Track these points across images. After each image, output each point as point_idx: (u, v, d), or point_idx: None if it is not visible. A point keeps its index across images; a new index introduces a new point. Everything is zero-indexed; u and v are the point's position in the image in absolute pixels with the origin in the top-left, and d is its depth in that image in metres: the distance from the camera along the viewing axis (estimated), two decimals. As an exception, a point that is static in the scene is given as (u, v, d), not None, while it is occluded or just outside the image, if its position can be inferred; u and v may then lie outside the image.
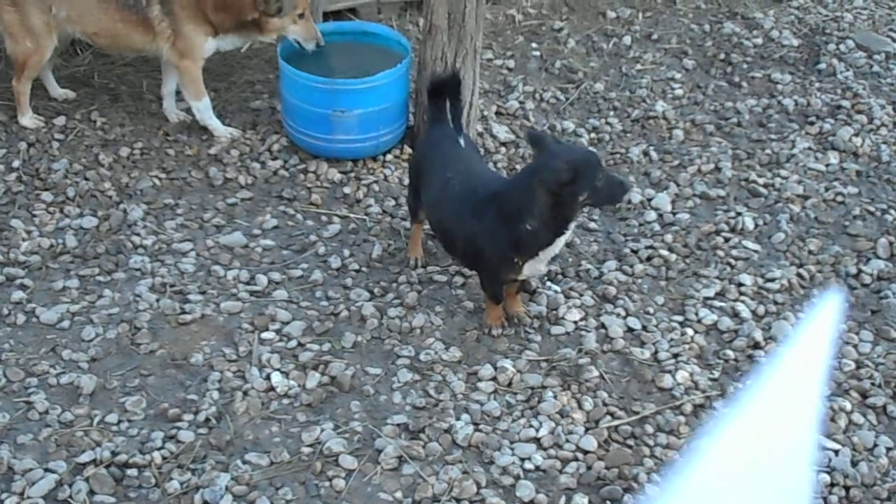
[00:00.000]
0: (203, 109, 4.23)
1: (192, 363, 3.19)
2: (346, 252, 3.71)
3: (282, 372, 3.16)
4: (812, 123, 4.59)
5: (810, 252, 3.80)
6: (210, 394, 3.07)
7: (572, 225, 3.10)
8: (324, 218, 3.90)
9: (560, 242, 3.15)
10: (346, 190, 4.04)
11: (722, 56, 5.11)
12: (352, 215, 3.91)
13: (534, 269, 3.21)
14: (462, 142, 3.46)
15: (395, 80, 4.07)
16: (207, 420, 2.97)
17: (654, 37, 5.26)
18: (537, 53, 5.08)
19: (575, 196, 2.96)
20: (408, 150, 4.24)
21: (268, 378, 3.13)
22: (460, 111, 3.61)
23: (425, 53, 4.09)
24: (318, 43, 4.12)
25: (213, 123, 4.26)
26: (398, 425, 2.98)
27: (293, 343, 3.28)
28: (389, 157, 4.22)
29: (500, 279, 3.26)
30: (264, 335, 3.30)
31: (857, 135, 4.49)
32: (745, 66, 5.03)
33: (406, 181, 4.03)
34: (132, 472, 2.80)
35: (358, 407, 3.06)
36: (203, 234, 3.78)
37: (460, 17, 3.96)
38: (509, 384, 3.16)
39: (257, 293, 3.49)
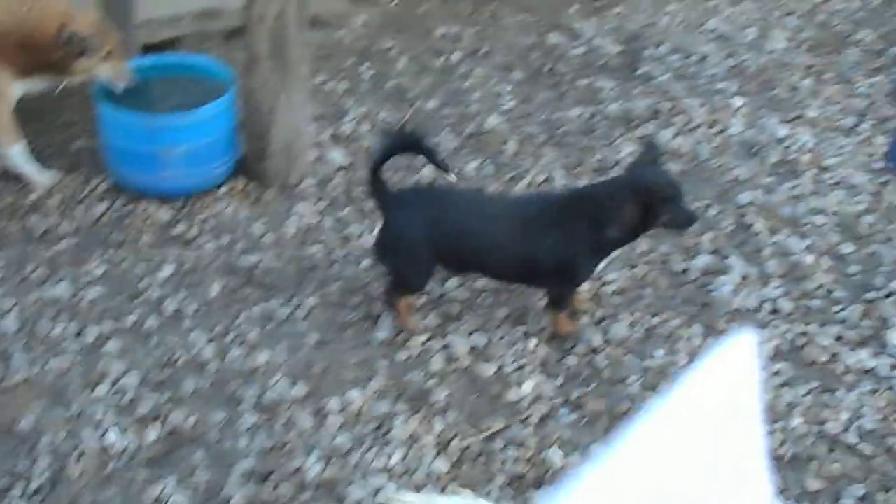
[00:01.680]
0: (17, 156, 4.00)
1: (20, 429, 3.00)
2: (182, 294, 3.58)
3: (119, 428, 3.01)
4: (636, 127, 4.78)
5: (641, 253, 3.95)
6: (42, 459, 2.90)
7: (640, 237, 3.40)
8: (156, 259, 3.75)
9: (623, 246, 3.45)
10: (179, 229, 3.90)
11: (548, 67, 5.25)
12: (186, 253, 3.78)
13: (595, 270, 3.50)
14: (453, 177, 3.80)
15: (221, 111, 3.97)
16: (39, 490, 2.80)
17: (483, 52, 5.36)
18: (370, 73, 5.08)
19: (659, 213, 3.21)
20: (243, 182, 4.14)
21: (103, 436, 2.98)
22: (435, 152, 3.46)
23: (251, 82, 4.02)
24: (127, 83, 3.95)
25: (30, 169, 4.03)
26: (245, 472, 2.90)
27: (129, 396, 3.13)
28: (223, 189, 4.12)
29: (579, 283, 3.48)
30: (97, 391, 3.14)
31: (678, 135, 4.70)
32: (570, 75, 5.19)
33: (243, 215, 3.95)
34: (-44, 556, 2.60)
35: (202, 456, 2.95)
36: (25, 289, 3.57)
37: (282, 44, 3.91)
38: (358, 415, 3.13)
39: (87, 347, 3.32)
